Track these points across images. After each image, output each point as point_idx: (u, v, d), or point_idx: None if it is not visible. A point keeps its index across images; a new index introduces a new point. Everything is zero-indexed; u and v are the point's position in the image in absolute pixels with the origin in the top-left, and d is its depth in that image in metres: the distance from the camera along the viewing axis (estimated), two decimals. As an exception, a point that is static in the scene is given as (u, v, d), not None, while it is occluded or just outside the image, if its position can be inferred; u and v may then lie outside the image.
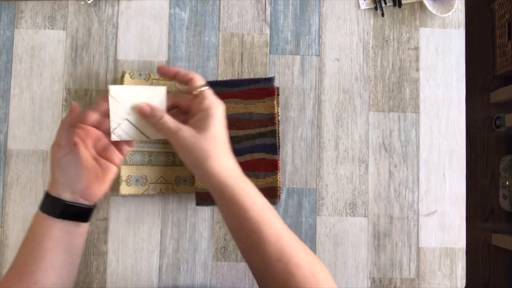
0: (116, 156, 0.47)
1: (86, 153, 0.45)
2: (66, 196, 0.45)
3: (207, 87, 0.45)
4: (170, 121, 0.43)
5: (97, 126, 0.46)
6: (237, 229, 0.44)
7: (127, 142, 0.48)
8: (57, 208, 0.45)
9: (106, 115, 0.45)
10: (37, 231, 0.45)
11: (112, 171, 0.47)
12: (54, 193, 0.45)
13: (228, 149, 0.45)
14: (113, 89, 0.44)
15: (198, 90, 0.44)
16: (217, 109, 0.44)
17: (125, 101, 0.44)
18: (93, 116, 0.45)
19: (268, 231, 0.41)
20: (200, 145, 0.42)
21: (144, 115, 0.44)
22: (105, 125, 0.46)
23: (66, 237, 0.46)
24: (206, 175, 0.43)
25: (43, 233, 0.45)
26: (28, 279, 0.43)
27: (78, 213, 0.46)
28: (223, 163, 0.43)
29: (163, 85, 0.64)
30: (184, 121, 0.45)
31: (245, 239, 0.43)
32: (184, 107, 0.47)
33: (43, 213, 0.45)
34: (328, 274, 0.43)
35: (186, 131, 0.42)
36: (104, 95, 0.45)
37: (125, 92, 0.45)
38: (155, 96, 0.45)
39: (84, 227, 0.47)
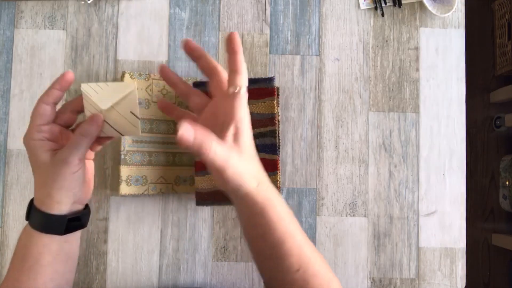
0: (90, 152, 0.46)
1: (92, 163, 0.44)
2: (66, 209, 0.43)
3: (245, 90, 0.39)
4: (220, 150, 0.37)
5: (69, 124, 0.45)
6: (257, 240, 0.42)
7: (106, 137, 0.47)
8: (60, 226, 0.43)
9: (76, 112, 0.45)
10: (33, 250, 0.42)
11: (92, 167, 0.46)
12: (55, 212, 0.42)
13: (257, 159, 0.42)
14: (85, 87, 0.43)
15: (232, 89, 0.39)
16: (245, 116, 0.40)
17: (97, 97, 0.43)
18: (66, 115, 0.44)
19: (291, 244, 0.40)
20: (239, 168, 0.38)
21: (186, 142, 0.35)
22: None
23: (64, 247, 0.44)
24: (241, 196, 0.41)
25: (40, 251, 0.42)
26: None
27: (79, 221, 0.45)
28: (260, 180, 0.41)
29: (163, 85, 0.64)
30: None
31: (267, 251, 0.41)
32: (201, 100, 0.45)
33: (42, 233, 0.43)
34: (339, 283, 0.43)
35: (234, 159, 0.38)
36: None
37: (97, 88, 0.43)
38: (124, 91, 0.44)
39: (80, 231, 0.47)
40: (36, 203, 0.43)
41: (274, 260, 0.41)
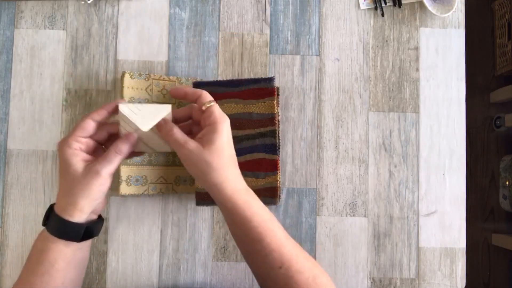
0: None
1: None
2: (84, 218, 0.45)
3: (214, 103, 0.47)
4: (178, 133, 0.46)
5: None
6: (240, 238, 0.46)
7: (136, 153, 0.50)
8: (78, 233, 0.45)
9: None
10: (49, 255, 0.44)
11: (109, 181, 0.47)
12: (75, 219, 0.44)
13: (233, 162, 0.47)
14: (122, 107, 0.46)
15: (206, 106, 0.47)
16: (222, 124, 0.46)
17: (136, 118, 0.46)
18: (103, 134, 0.48)
19: (269, 240, 0.43)
20: (205, 158, 0.44)
21: (158, 128, 0.46)
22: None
23: (77, 254, 0.46)
24: (209, 187, 0.45)
25: (56, 256, 0.44)
26: None
27: (94, 230, 0.47)
28: (226, 175, 0.45)
29: (163, 85, 0.64)
30: (196, 134, 0.47)
31: (249, 247, 0.45)
32: (196, 120, 0.49)
33: (59, 239, 0.44)
34: (328, 277, 0.45)
35: (192, 144, 0.45)
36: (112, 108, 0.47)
37: (135, 109, 0.46)
38: (161, 113, 0.47)
39: (91, 240, 0.48)
40: (57, 209, 0.45)
41: (257, 256, 0.44)
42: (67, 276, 0.45)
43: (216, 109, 0.47)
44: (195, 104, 0.49)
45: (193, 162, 0.44)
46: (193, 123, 0.51)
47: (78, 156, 0.44)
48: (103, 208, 0.50)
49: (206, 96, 0.48)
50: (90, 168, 0.44)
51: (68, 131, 0.65)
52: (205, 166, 0.44)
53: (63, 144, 0.45)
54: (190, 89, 0.49)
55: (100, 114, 0.46)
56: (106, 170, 0.44)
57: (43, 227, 0.46)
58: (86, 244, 0.48)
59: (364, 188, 0.66)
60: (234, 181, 0.46)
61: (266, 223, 0.45)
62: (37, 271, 0.44)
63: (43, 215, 0.47)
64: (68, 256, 0.45)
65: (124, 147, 0.45)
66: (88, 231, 0.46)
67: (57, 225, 0.45)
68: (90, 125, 0.46)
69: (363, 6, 0.69)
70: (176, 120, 0.50)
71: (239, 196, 0.45)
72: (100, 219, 0.50)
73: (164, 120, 0.46)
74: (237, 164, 0.48)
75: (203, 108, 0.47)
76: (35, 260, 0.45)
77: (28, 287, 0.44)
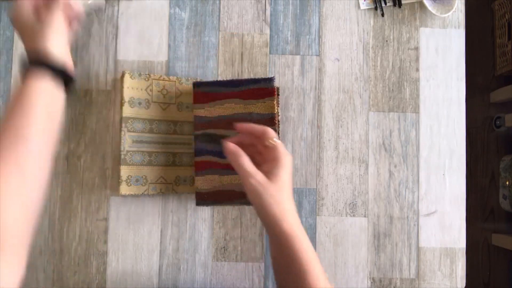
0: None
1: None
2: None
3: (278, 140, 0.50)
4: (248, 163, 0.48)
5: None
6: (283, 269, 0.50)
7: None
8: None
9: None
10: (29, 93, 0.45)
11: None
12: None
13: (291, 196, 0.50)
14: None
15: (271, 142, 0.50)
16: (285, 160, 0.49)
17: None
18: None
19: (310, 279, 0.47)
20: (270, 190, 0.47)
21: (227, 151, 0.50)
22: None
23: (54, 101, 0.48)
24: (268, 218, 0.48)
25: (36, 94, 0.46)
26: (23, 141, 0.43)
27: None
28: (286, 209, 0.48)
29: (163, 85, 0.64)
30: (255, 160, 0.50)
31: (289, 280, 0.49)
32: (259, 150, 0.52)
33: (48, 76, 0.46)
34: None
35: (260, 176, 0.48)
36: None
37: None
38: None
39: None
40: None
41: (296, 284, 0.47)
42: (47, 124, 0.47)
43: (280, 145, 0.50)
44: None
45: (258, 193, 0.47)
46: (256, 152, 0.53)
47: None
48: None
49: (272, 132, 0.51)
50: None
51: (68, 131, 0.65)
52: (268, 198, 0.47)
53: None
54: (256, 126, 0.52)
55: None
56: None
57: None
58: (60, 95, 0.49)
59: (364, 188, 0.66)
60: (292, 216, 0.48)
61: (312, 262, 0.47)
62: (20, 112, 0.45)
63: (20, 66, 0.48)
64: (46, 101, 0.46)
65: None
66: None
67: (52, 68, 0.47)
68: None
69: (363, 6, 0.69)
70: (242, 145, 0.52)
71: (294, 232, 0.47)
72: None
73: (235, 148, 0.49)
74: (292, 198, 0.50)
75: (267, 143, 0.50)
76: (20, 103, 0.45)
77: (17, 132, 0.44)
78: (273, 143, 0.50)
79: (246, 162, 0.48)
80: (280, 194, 0.47)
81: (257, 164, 0.49)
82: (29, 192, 0.43)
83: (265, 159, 0.51)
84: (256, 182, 0.47)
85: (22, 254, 0.41)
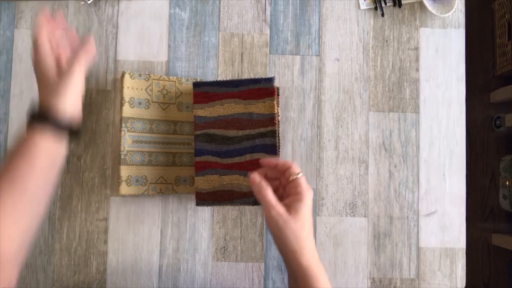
0: None
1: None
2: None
3: (301, 174, 0.50)
4: (271, 195, 0.48)
5: None
6: None
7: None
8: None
9: None
10: (32, 148, 0.46)
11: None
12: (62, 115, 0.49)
13: (311, 232, 0.49)
14: None
15: (294, 177, 0.50)
16: (307, 195, 0.49)
17: None
18: None
19: None
20: (290, 224, 0.47)
21: (252, 182, 0.50)
22: None
23: (55, 155, 0.49)
24: (287, 252, 0.47)
25: (38, 150, 0.47)
26: (20, 187, 0.45)
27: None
28: (305, 245, 0.48)
29: (163, 85, 0.64)
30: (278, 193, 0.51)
31: None
32: (270, 178, 0.52)
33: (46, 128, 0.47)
34: None
35: (281, 209, 0.47)
36: None
37: None
38: None
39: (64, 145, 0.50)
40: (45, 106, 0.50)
41: None
42: (46, 174, 0.48)
43: (303, 180, 0.50)
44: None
45: (279, 225, 0.47)
46: (280, 185, 0.53)
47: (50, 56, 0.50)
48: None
49: (295, 168, 0.51)
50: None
51: (68, 131, 0.65)
52: (289, 232, 0.47)
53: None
54: (281, 161, 0.52)
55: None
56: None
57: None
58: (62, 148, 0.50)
59: (364, 188, 0.66)
60: (311, 252, 0.48)
61: None
62: (21, 162, 0.46)
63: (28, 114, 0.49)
64: (48, 153, 0.47)
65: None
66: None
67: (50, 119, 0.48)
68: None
69: (363, 6, 0.69)
70: (266, 177, 0.52)
71: (312, 268, 0.47)
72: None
73: (260, 179, 0.50)
74: (313, 234, 0.50)
75: (291, 178, 0.50)
76: (20, 153, 0.46)
77: (15, 179, 0.45)
78: (295, 177, 0.50)
79: (269, 193, 0.48)
80: (300, 230, 0.47)
81: (280, 197, 0.50)
82: (25, 228, 0.45)
83: (288, 193, 0.51)
84: (277, 215, 0.47)
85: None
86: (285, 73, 0.67)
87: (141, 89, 0.63)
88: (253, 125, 0.61)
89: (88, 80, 0.66)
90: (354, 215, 0.66)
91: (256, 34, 0.68)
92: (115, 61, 0.66)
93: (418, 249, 0.66)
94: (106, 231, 0.64)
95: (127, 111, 0.61)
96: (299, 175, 0.50)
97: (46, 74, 0.50)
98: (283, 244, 0.47)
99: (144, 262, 0.64)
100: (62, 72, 0.50)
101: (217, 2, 0.68)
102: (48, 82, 0.50)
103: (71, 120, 0.49)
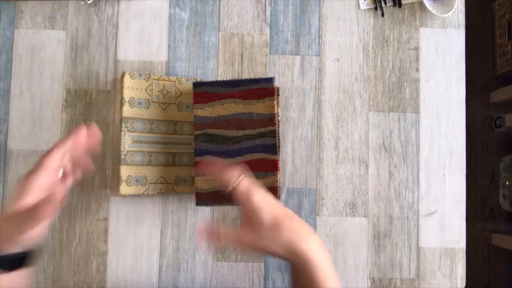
0: None
1: None
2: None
3: (236, 184, 0.44)
4: (228, 233, 0.44)
5: None
6: None
7: None
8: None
9: None
10: None
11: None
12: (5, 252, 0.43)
13: (281, 220, 0.44)
14: None
15: (230, 188, 0.44)
16: (254, 201, 0.43)
17: None
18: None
19: None
20: (262, 243, 0.43)
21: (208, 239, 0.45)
22: None
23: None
24: (288, 256, 0.44)
25: None
26: None
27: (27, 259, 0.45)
28: (290, 238, 0.44)
29: (163, 85, 0.64)
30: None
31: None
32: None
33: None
34: None
35: (248, 236, 0.43)
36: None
37: None
38: None
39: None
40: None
41: None
42: None
43: (242, 186, 0.44)
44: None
45: (257, 245, 0.43)
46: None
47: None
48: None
49: (225, 173, 0.45)
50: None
51: (68, 131, 0.65)
52: (267, 242, 0.43)
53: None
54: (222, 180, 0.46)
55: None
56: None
57: None
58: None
59: (364, 188, 0.66)
60: (306, 240, 0.46)
61: (332, 282, 0.45)
62: None
63: None
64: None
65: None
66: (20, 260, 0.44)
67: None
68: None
69: (363, 6, 0.69)
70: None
71: (313, 256, 0.46)
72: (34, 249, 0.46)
73: (205, 234, 0.45)
74: (287, 217, 0.45)
75: (229, 190, 0.45)
76: None
77: None
78: (232, 188, 0.44)
79: (225, 235, 0.44)
80: (274, 233, 0.43)
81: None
82: None
83: (249, 223, 0.45)
84: (248, 240, 0.44)
85: None
86: (285, 73, 0.67)
87: (141, 89, 0.63)
88: (253, 125, 0.61)
89: (88, 80, 0.66)
90: (354, 215, 0.66)
91: (256, 34, 0.68)
92: (115, 61, 0.67)
93: (418, 249, 0.66)
94: (106, 231, 0.64)
95: (127, 111, 0.61)
96: (235, 184, 0.44)
97: (18, 211, 0.42)
98: (277, 255, 0.44)
99: (144, 262, 0.64)
100: (35, 214, 0.41)
101: (217, 2, 0.68)
102: (16, 218, 0.42)
103: (15, 255, 0.43)
